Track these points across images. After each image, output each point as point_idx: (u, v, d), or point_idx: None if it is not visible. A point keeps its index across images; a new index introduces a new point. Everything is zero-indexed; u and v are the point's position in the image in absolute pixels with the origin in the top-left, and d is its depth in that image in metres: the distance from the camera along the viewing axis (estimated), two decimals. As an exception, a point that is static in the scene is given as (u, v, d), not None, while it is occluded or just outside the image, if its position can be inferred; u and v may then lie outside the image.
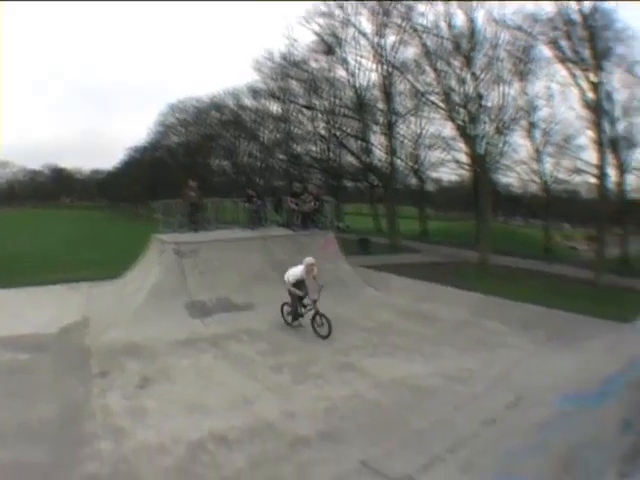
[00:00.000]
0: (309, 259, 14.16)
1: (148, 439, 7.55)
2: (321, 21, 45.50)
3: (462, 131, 40.16)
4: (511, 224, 59.23)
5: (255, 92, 56.00)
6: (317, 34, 46.33)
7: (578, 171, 41.97)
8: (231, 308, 15.21)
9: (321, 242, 19.26)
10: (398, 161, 48.03)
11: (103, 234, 48.98)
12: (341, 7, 43.80)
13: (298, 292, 13.91)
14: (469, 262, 34.74)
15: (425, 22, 40.22)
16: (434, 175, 52.62)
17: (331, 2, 43.80)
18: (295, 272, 14.15)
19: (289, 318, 14.50)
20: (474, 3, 38.79)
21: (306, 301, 14.01)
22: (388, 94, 44.92)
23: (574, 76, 37.54)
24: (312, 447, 7.43)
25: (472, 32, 38.90)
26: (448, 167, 47.93)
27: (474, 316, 14.89)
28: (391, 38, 43.52)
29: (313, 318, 13.50)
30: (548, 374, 9.32)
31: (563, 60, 37.79)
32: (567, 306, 16.81)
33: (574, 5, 36.57)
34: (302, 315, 14.22)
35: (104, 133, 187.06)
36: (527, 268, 33.81)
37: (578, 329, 13.38)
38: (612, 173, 40.41)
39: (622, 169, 40.73)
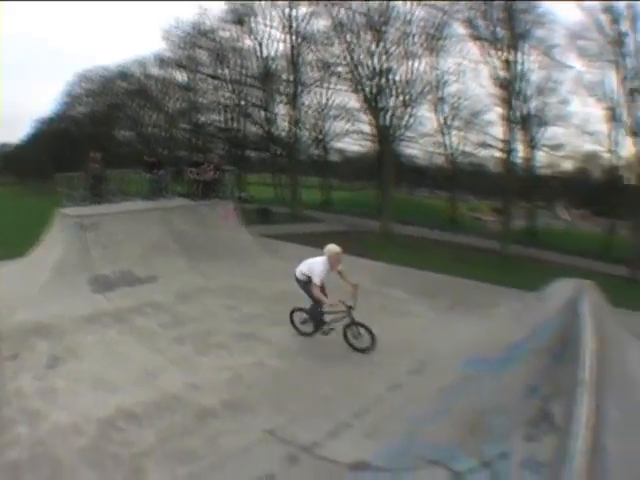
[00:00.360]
0: (333, 247, 10.64)
1: (61, 420, 7.30)
2: None
3: (368, 103, 40.80)
4: (416, 195, 60.26)
5: (162, 61, 54.81)
6: (228, 3, 46.26)
7: (485, 145, 43.59)
8: (134, 281, 14.73)
9: (221, 212, 19.07)
10: (302, 131, 48.35)
11: (6, 211, 47.24)
12: None
13: (324, 299, 10.30)
14: (372, 231, 35.32)
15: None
16: (339, 146, 53.05)
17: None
18: (315, 267, 10.66)
19: (307, 327, 11.16)
20: None
21: (326, 308, 10.61)
22: (295, 64, 45.13)
23: (488, 54, 38.80)
24: (218, 418, 7.36)
25: (386, 7, 39.44)
26: (352, 138, 48.55)
27: (377, 284, 14.95)
28: (302, 9, 43.78)
29: (347, 327, 10.41)
30: (452, 341, 9.56)
31: (477, 38, 38.89)
32: (471, 274, 17.31)
33: None
34: (326, 322, 10.79)
35: (10, 104, 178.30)
36: (432, 238, 34.69)
37: (482, 297, 13.77)
38: (520, 149, 42.07)
39: (531, 145, 42.23)
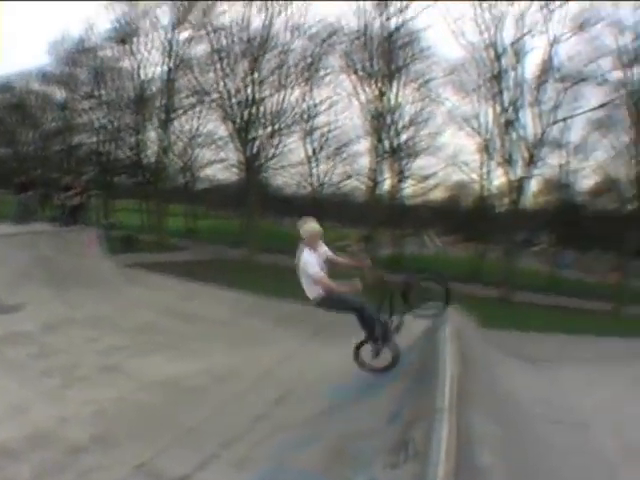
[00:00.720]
0: (306, 226, 8.74)
1: None
2: (123, 8, 44.80)
3: (237, 132, 41.00)
4: (283, 224, 60.80)
5: (44, 76, 52.64)
6: (116, 21, 45.25)
7: (352, 176, 44.59)
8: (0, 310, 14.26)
9: (85, 239, 18.63)
10: (171, 158, 47.91)
11: None
12: None
13: (331, 283, 8.34)
14: (236, 260, 35.31)
15: (223, 21, 40.87)
16: (207, 173, 52.77)
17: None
18: (305, 260, 8.56)
19: (380, 359, 8.18)
20: (277, 8, 40.00)
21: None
22: (170, 89, 44.72)
23: (362, 86, 40.04)
24: (89, 453, 7.09)
25: (267, 36, 39.94)
26: (221, 166, 48.49)
27: (238, 314, 14.99)
28: (185, 33, 43.59)
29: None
30: (315, 369, 9.70)
31: (353, 71, 40.00)
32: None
33: (379, 22, 39.03)
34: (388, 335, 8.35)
35: None
36: (291, 266, 35.06)
37: (345, 325, 14.05)
38: (388, 179, 43.41)
39: (400, 176, 43.56)
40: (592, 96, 40.32)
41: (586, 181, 48.68)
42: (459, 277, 39.75)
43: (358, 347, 8.56)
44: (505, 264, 39.10)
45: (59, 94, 52.72)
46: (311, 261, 8.26)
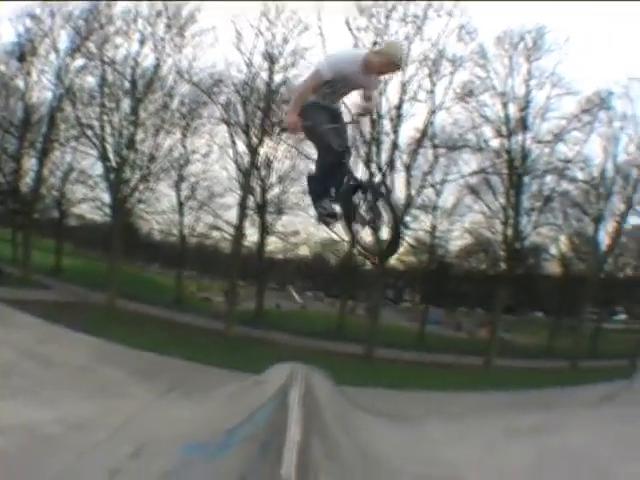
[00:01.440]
0: (398, 47, 7.45)
1: None
2: (28, 23, 43.48)
3: (111, 172, 40.38)
4: (149, 270, 59.90)
5: None
6: (18, 35, 43.79)
7: (219, 228, 44.72)
8: None
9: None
10: (45, 191, 46.45)
11: None
12: (52, 16, 42.25)
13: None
14: (98, 304, 34.56)
15: (116, 55, 40.48)
16: (79, 210, 51.43)
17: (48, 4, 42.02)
18: (342, 57, 7.13)
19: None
20: (167, 49, 40.04)
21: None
22: (53, 118, 43.51)
23: (236, 139, 40.50)
24: None
25: (154, 77, 39.79)
26: (93, 205, 47.49)
27: (95, 362, 14.68)
28: (79, 61, 42.68)
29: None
30: (170, 424, 9.66)
31: (229, 123, 40.33)
32: (192, 356, 17.65)
33: (264, 75, 39.66)
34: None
35: None
36: (156, 315, 34.54)
37: (202, 379, 14.11)
38: (254, 234, 43.76)
39: (265, 231, 43.96)
40: (467, 162, 43.03)
41: (457, 242, 51.24)
42: (323, 334, 40.46)
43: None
44: (369, 321, 39.85)
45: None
46: (330, 62, 6.92)
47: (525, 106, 42.31)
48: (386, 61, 6.73)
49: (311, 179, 7.86)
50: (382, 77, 7.63)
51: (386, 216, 6.96)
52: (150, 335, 24.49)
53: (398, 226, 6.82)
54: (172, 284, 51.32)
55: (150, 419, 10.43)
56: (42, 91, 45.28)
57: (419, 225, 47.11)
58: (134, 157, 41.07)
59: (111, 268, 40.38)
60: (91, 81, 43.12)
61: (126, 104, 41.55)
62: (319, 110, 7.08)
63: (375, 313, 40.73)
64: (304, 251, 55.30)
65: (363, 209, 7.36)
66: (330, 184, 7.35)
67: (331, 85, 6.93)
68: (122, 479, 7.35)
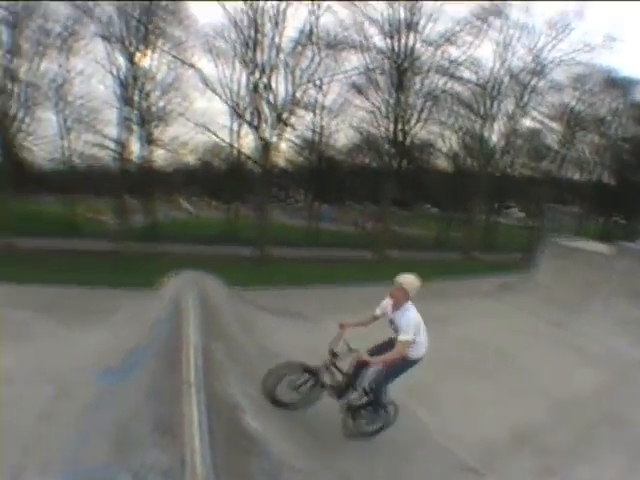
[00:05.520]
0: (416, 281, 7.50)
1: None
2: None
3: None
4: (39, 203, 57.67)
5: None
6: None
7: (102, 146, 42.95)
8: None
9: None
10: None
11: None
12: None
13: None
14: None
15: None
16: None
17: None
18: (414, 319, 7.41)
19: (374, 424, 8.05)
20: None
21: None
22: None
23: (114, 53, 38.44)
24: None
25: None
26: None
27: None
28: None
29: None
30: (81, 356, 9.61)
31: (107, 38, 38.15)
32: (91, 281, 17.47)
33: None
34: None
35: None
36: (51, 248, 33.68)
37: (102, 303, 14.01)
38: (139, 147, 42.55)
39: (150, 143, 42.81)
40: (350, 61, 42.59)
41: (344, 140, 51.50)
42: (215, 240, 40.49)
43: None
44: (259, 222, 39.98)
45: None
46: (413, 320, 7.34)
47: (412, 9, 41.74)
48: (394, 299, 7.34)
49: None
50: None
51: None
52: (49, 269, 23.94)
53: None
54: (62, 212, 49.80)
55: (62, 355, 10.28)
56: None
57: (305, 124, 46.91)
58: (13, 87, 38.49)
59: (3, 208, 38.57)
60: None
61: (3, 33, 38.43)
62: None
63: (264, 213, 40.81)
64: (191, 159, 54.49)
65: None
66: None
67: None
68: (53, 422, 7.34)
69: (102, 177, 51.92)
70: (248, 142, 45.80)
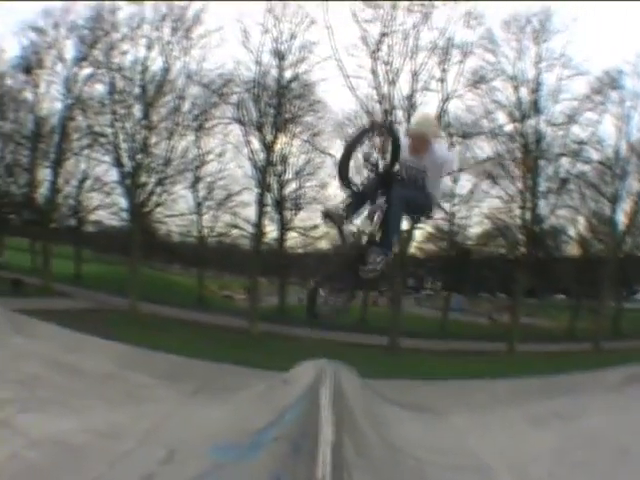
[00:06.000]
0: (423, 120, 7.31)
1: None
2: (32, 36, 43.62)
3: (126, 178, 40.46)
4: (168, 272, 60.05)
5: None
6: (23, 49, 44.25)
7: (237, 226, 44.67)
8: None
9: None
10: (60, 199, 46.72)
11: None
12: (56, 27, 42.56)
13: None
14: (120, 310, 34.66)
15: (123, 61, 40.50)
16: (96, 216, 51.71)
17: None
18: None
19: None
20: (175, 52, 39.88)
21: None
22: (65, 128, 43.71)
23: (250, 137, 40.41)
24: None
25: (163, 81, 39.76)
26: (109, 211, 47.68)
27: (120, 368, 14.67)
28: (87, 70, 42.85)
29: None
30: (199, 426, 9.58)
31: (242, 121, 40.27)
32: (217, 356, 17.63)
33: (274, 72, 39.61)
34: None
35: None
36: (179, 317, 34.63)
37: (229, 379, 14.04)
38: (274, 230, 43.72)
39: (284, 227, 43.90)
40: (482, 148, 42.70)
41: (475, 228, 50.98)
42: (345, 326, 40.35)
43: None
44: (392, 311, 39.70)
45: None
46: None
47: (536, 89, 42.02)
48: (414, 141, 6.78)
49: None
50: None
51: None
52: (174, 337, 24.53)
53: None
54: (193, 284, 51.49)
55: (179, 422, 10.35)
56: (51, 102, 45.66)
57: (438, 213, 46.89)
58: (149, 161, 41.08)
59: (131, 272, 40.47)
60: (100, 89, 43.26)
61: (137, 109, 41.56)
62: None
63: (398, 303, 40.59)
64: (323, 244, 55.25)
65: None
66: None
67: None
68: None
69: (234, 255, 53.44)
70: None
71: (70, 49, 43.86)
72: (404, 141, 6.80)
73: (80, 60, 43.39)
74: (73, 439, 9.49)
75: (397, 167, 6.89)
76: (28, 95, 46.19)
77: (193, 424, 9.97)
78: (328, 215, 6.99)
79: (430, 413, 11.82)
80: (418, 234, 47.38)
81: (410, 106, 40.04)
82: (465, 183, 47.63)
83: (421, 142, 6.68)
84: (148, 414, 10.88)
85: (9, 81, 46.54)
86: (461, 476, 7.40)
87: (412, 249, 47.73)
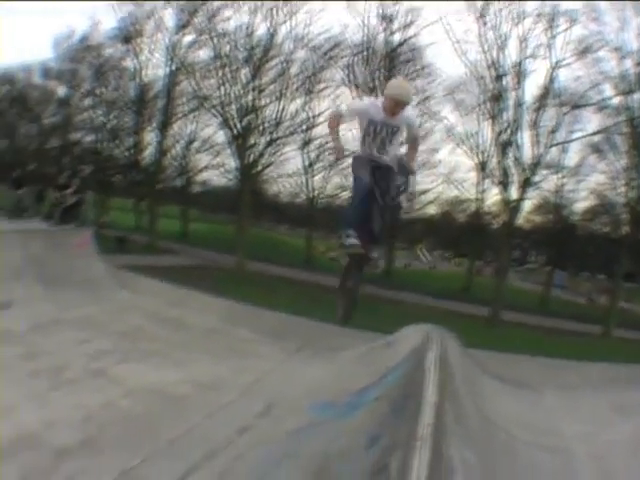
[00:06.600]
0: (396, 84, 7.72)
1: None
2: (129, 7, 45.33)
3: (235, 139, 41.10)
4: (276, 232, 60.92)
5: (47, 71, 52.68)
6: (121, 20, 46.05)
7: (347, 189, 44.75)
8: None
9: (78, 239, 18.64)
10: (168, 160, 48.13)
11: None
12: None
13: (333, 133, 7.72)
14: (226, 267, 35.37)
15: (227, 27, 41.06)
16: (203, 176, 52.98)
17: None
18: (359, 103, 8.16)
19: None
20: (280, 17, 40.13)
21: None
22: (170, 93, 44.95)
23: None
24: (75, 458, 7.15)
25: (270, 45, 40.11)
26: (217, 171, 48.70)
27: (225, 323, 15.00)
28: (189, 37, 43.89)
29: None
30: (299, 383, 9.67)
31: (354, 84, 40.25)
32: (321, 315, 17.65)
33: (381, 36, 39.37)
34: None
35: None
36: (285, 276, 35.03)
37: (332, 339, 14.04)
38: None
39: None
40: (590, 120, 41.07)
41: (581, 203, 49.35)
42: (450, 294, 40.07)
43: None
44: (496, 282, 39.12)
45: (60, 90, 52.89)
46: (356, 102, 8.36)
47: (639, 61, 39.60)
48: (389, 102, 7.22)
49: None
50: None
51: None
52: (280, 295, 24.80)
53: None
54: (300, 245, 52.00)
55: (279, 378, 10.55)
56: (154, 69, 47.26)
57: (546, 184, 45.50)
58: (258, 122, 41.54)
59: (239, 231, 41.18)
60: (204, 55, 43.97)
61: (244, 73, 41.97)
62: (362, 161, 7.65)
63: (502, 274, 39.85)
64: (432, 210, 54.71)
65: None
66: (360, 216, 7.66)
67: (367, 132, 7.53)
68: (250, 437, 7.42)
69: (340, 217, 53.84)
70: (491, 197, 45.16)
71: (169, 18, 45.41)
72: (383, 101, 7.33)
73: (181, 28, 44.31)
74: (172, 389, 9.80)
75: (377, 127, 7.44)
76: (129, 63, 47.55)
77: (293, 381, 10.11)
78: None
79: (524, 389, 11.55)
80: (526, 204, 46.06)
81: (519, 73, 38.78)
82: (573, 155, 45.90)
83: (401, 107, 7.24)
84: (249, 369, 11.07)
85: (109, 51, 48.10)
86: (546, 456, 7.15)
87: (519, 221, 46.44)
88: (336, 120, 7.55)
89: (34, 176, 26.65)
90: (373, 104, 7.36)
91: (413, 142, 7.71)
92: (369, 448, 6.02)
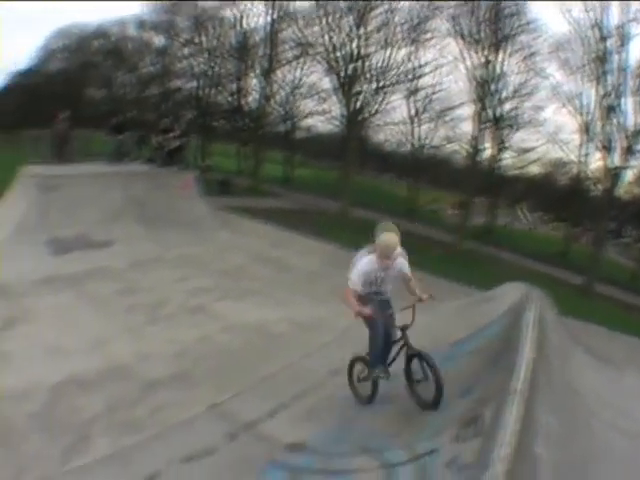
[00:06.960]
0: (385, 237, 7.30)
1: (12, 384, 7.37)
2: None
3: (341, 86, 40.91)
4: (380, 180, 60.65)
5: (141, 23, 53.81)
6: None
7: (453, 140, 44.09)
8: (90, 245, 14.60)
9: (182, 181, 19.05)
10: (272, 106, 48.42)
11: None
12: None
13: (365, 311, 7.06)
14: (329, 212, 35.49)
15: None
16: (307, 123, 53.04)
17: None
18: (361, 268, 7.40)
19: (362, 379, 7.43)
20: None
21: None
22: (272, 40, 45.09)
23: (467, 52, 39.34)
24: (165, 390, 7.48)
25: None
26: (322, 117, 48.58)
27: (327, 266, 15.09)
28: None
29: (407, 364, 7.15)
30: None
31: (460, 35, 39.36)
32: (423, 266, 17.57)
33: None
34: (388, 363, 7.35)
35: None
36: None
37: (431, 290, 14.01)
38: (488, 148, 42.67)
39: (500, 146, 42.82)
40: None
41: None
42: (547, 258, 39.12)
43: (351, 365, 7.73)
44: (593, 252, 37.88)
45: (157, 40, 53.62)
46: (356, 271, 7.39)
47: None
48: (380, 252, 7.20)
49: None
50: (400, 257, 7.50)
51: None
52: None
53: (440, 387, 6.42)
54: (403, 195, 51.64)
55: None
56: (255, 17, 46.81)
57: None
58: (364, 70, 41.17)
59: (343, 177, 41.18)
60: (306, 3, 43.54)
61: (347, 22, 41.51)
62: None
63: (600, 244, 38.36)
64: (535, 170, 53.26)
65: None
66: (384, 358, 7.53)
67: (369, 280, 7.54)
68: (342, 379, 7.56)
69: (447, 170, 53.07)
70: (593, 162, 43.54)
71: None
72: (375, 250, 7.39)
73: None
74: (270, 327, 10.15)
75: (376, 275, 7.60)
76: (228, 13, 47.77)
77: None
78: None
79: (608, 364, 11.20)
80: (628, 175, 44.07)
81: (622, 36, 36.80)
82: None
83: (391, 250, 7.29)
84: (348, 312, 11.08)
85: (206, 2, 48.43)
86: (622, 441, 6.91)
87: (621, 190, 44.53)
88: (352, 295, 7.36)
89: (134, 122, 27.22)
90: (369, 262, 7.37)
91: (408, 281, 7.61)
92: (461, 399, 6.12)
